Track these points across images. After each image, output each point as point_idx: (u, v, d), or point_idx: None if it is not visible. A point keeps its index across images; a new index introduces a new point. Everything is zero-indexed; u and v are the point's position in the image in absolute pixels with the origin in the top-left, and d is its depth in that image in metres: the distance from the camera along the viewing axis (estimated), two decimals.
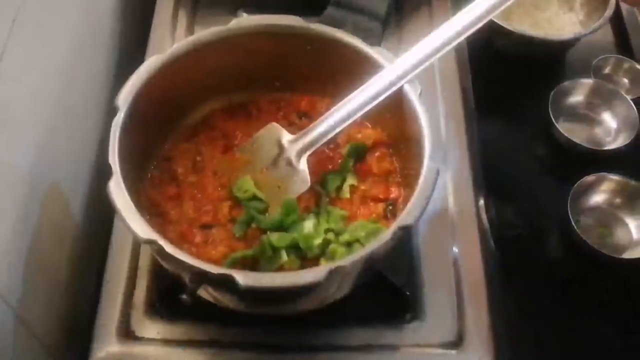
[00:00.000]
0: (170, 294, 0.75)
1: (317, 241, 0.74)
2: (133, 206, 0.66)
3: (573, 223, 0.92)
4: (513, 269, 0.90)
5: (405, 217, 0.66)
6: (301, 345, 0.76)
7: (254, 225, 0.77)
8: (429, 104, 0.76)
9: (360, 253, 0.64)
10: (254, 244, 0.76)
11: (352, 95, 0.75)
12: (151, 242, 0.64)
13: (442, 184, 0.86)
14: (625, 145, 1.01)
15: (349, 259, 0.64)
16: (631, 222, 0.97)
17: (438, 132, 0.91)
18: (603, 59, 1.12)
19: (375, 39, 0.96)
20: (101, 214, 0.83)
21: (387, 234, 0.65)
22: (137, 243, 0.81)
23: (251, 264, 0.74)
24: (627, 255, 0.93)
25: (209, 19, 1.02)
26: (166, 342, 0.76)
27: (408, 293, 0.79)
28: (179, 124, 0.85)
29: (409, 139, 0.76)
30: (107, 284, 0.80)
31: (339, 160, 0.83)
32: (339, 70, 0.81)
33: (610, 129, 1.07)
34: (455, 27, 0.73)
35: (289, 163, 0.79)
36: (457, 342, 0.77)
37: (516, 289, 0.89)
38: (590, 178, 0.96)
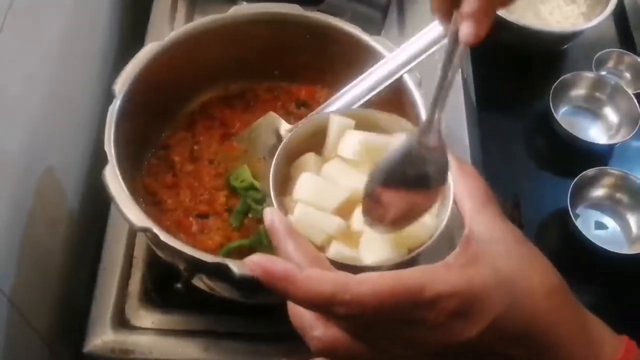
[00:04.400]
0: (166, 284, 0.74)
1: None
2: (128, 194, 0.65)
3: (573, 217, 0.91)
4: None
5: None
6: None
7: (250, 215, 0.77)
8: (429, 95, 0.75)
9: None
10: (251, 233, 0.75)
11: (351, 84, 0.74)
12: (146, 230, 0.63)
13: None
14: (626, 140, 1.00)
15: None
16: (631, 217, 0.97)
17: None
18: (605, 52, 1.11)
19: (375, 28, 0.95)
20: (97, 202, 0.83)
21: None
22: (133, 232, 0.81)
23: (247, 254, 0.73)
24: (627, 250, 0.93)
25: (208, 7, 1.01)
26: (161, 331, 0.76)
27: None
28: (177, 112, 0.85)
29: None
30: (102, 273, 0.79)
31: None
32: (338, 60, 0.81)
33: (611, 123, 1.06)
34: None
35: None
36: None
37: None
38: (590, 172, 0.96)
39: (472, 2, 0.42)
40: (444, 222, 0.49)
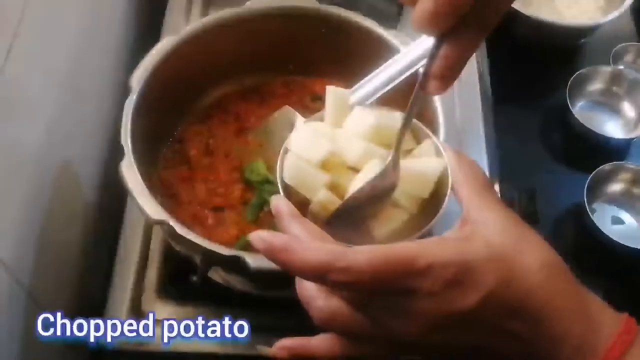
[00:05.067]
0: (182, 276, 0.75)
1: None
2: (145, 187, 0.66)
3: (589, 212, 0.91)
4: None
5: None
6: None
7: (266, 208, 0.77)
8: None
9: None
10: (266, 227, 0.75)
11: (366, 78, 0.74)
12: (162, 223, 0.64)
13: None
14: None
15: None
16: None
17: (453, 118, 0.90)
18: (623, 46, 1.10)
19: (391, 22, 0.95)
20: (114, 195, 0.83)
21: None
22: (150, 224, 0.81)
23: None
24: None
25: (223, 0, 1.01)
26: None
27: None
28: (193, 106, 0.85)
29: (424, 123, 0.75)
30: (119, 265, 0.80)
31: None
32: (354, 54, 0.80)
33: (629, 118, 1.05)
34: None
35: None
36: None
37: None
38: (607, 167, 0.95)
39: (440, 65, 0.46)
40: (442, 210, 0.50)
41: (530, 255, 0.44)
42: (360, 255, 0.41)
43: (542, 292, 0.43)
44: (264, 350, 0.67)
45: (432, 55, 0.46)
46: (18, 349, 0.65)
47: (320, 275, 0.41)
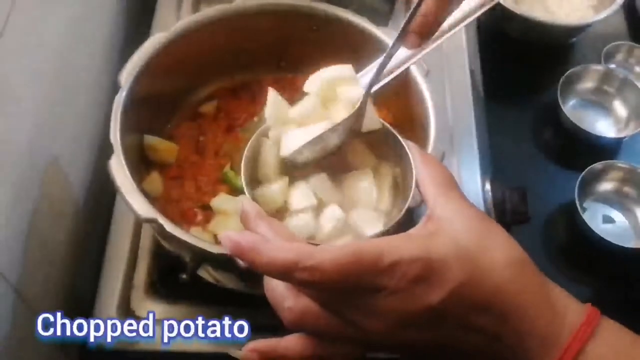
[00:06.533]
0: (171, 275, 0.74)
1: None
2: (134, 184, 0.65)
3: (580, 210, 0.91)
4: None
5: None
6: None
7: None
8: (436, 86, 0.75)
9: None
10: None
11: (358, 75, 0.74)
12: (151, 221, 0.63)
13: (448, 167, 0.85)
14: (635, 134, 1.00)
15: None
16: (639, 211, 0.96)
17: (445, 116, 0.90)
18: (614, 45, 1.10)
19: (382, 19, 0.95)
20: (103, 192, 0.83)
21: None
22: (139, 222, 0.81)
23: None
24: (634, 244, 0.92)
25: None
26: None
27: None
28: (182, 103, 0.85)
29: (415, 121, 0.75)
30: (107, 263, 0.79)
31: None
32: (345, 51, 0.80)
33: (620, 117, 1.06)
34: (464, 7, 0.71)
35: None
36: None
37: None
38: (598, 166, 0.95)
39: (419, 22, 0.56)
40: (405, 207, 0.51)
41: (496, 252, 0.44)
42: (327, 254, 0.41)
43: (509, 287, 0.43)
44: (235, 353, 0.67)
45: (413, 12, 0.54)
46: (6, 348, 0.64)
47: (287, 273, 0.42)
